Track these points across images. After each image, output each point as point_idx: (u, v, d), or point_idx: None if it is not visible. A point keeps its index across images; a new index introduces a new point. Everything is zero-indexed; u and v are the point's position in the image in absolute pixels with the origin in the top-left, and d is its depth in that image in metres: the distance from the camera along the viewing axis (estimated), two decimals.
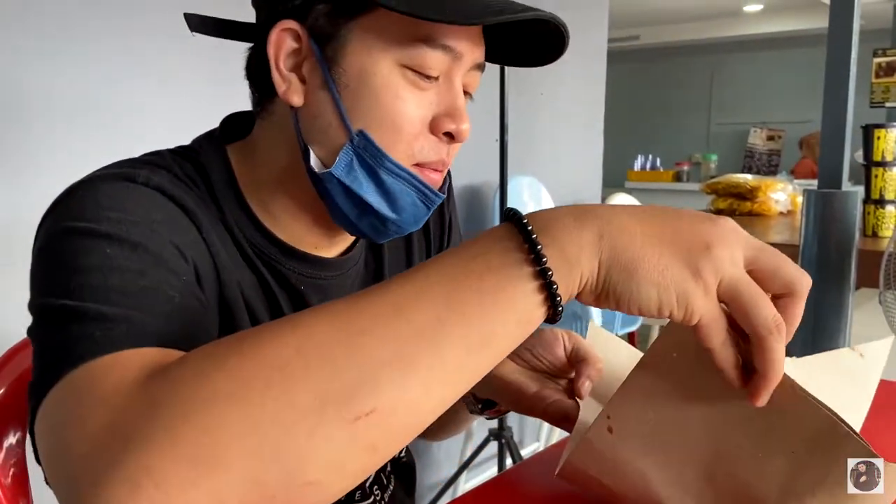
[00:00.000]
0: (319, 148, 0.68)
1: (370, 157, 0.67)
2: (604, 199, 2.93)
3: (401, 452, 0.92)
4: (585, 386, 0.75)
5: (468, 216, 2.37)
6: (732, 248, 0.46)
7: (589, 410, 0.73)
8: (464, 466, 2.21)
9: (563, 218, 0.47)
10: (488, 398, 0.83)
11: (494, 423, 2.19)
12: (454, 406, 0.87)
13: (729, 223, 0.47)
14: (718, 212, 3.89)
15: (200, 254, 0.64)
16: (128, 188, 0.61)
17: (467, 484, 2.30)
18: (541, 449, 2.36)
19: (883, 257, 2.02)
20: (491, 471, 2.37)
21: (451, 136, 0.69)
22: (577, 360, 0.78)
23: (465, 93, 0.72)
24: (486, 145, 2.20)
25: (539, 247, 0.45)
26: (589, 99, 2.93)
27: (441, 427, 0.96)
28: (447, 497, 2.24)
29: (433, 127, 0.68)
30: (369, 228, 0.72)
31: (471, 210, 2.38)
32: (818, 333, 2.38)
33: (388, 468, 0.91)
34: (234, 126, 0.77)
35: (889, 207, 2.74)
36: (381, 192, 0.68)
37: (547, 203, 2.55)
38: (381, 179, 0.67)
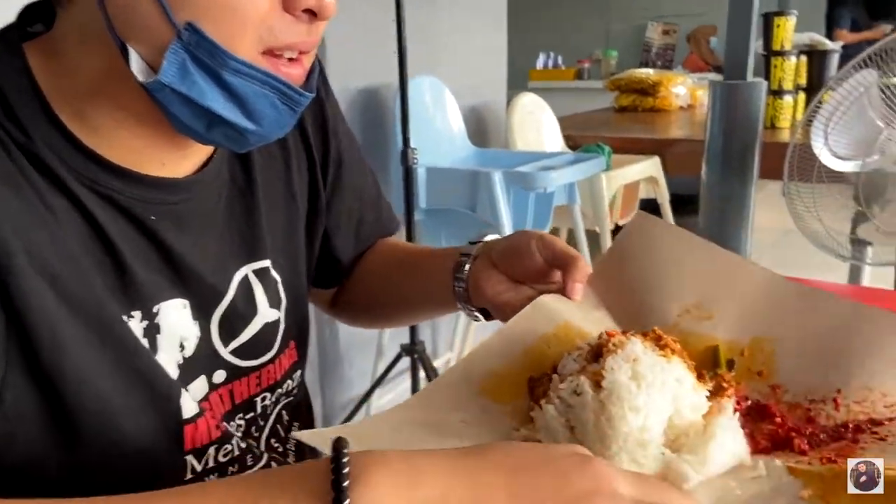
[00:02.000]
0: (141, 46, 0.53)
1: (207, 55, 0.53)
2: (509, 100, 2.80)
3: (292, 391, 0.80)
4: (577, 289, 0.72)
5: (367, 122, 2.19)
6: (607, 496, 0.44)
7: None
8: (376, 383, 2.13)
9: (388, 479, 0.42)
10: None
11: (406, 338, 2.11)
12: (439, 302, 0.82)
13: (594, 468, 0.45)
14: (622, 109, 3.85)
15: None
16: None
17: (381, 400, 2.21)
18: (453, 361, 2.34)
19: (788, 148, 2.00)
20: (404, 385, 2.29)
21: (312, 13, 0.55)
22: (559, 266, 0.73)
23: None
24: (383, 44, 2.01)
25: None
26: None
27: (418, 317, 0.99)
28: (360, 415, 2.16)
29: (287, 4, 0.54)
30: (224, 139, 0.58)
31: (369, 115, 2.20)
32: (723, 226, 2.40)
33: (286, 418, 0.80)
34: (35, 19, 0.59)
35: (787, 98, 2.71)
36: (230, 99, 0.54)
37: (451, 105, 2.40)
38: (227, 82, 0.54)
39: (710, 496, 0.56)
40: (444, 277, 0.79)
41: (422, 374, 2.11)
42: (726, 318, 0.74)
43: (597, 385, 0.63)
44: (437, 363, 2.45)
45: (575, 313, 0.75)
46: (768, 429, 0.63)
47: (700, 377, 0.66)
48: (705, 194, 2.33)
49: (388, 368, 2.11)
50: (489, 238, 0.80)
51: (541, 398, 0.66)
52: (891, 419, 0.61)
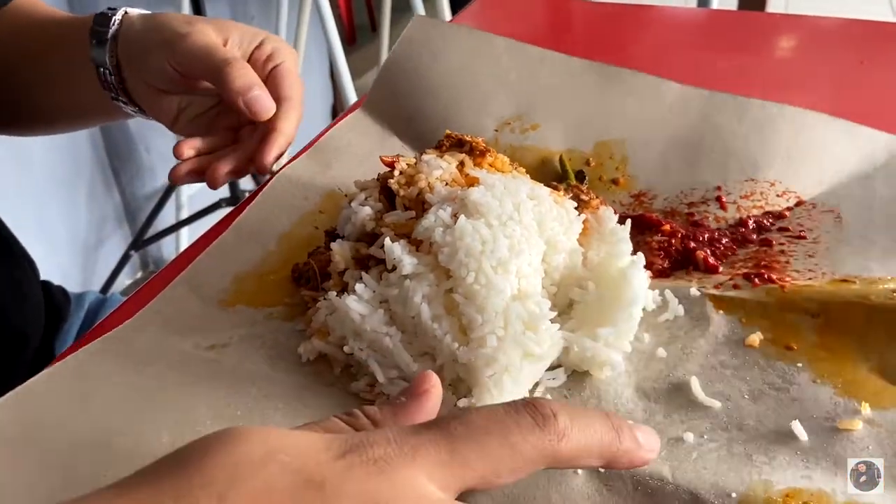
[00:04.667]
0: None
1: None
2: None
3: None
4: (271, 157, 0.49)
5: None
6: None
7: None
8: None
9: None
10: None
11: None
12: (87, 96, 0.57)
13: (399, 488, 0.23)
14: None
15: None
16: None
17: (192, 189, 1.73)
18: None
19: None
20: None
21: None
22: (213, 82, 0.51)
23: None
24: None
25: None
26: None
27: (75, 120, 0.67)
28: (171, 202, 1.69)
29: None
30: None
31: None
32: None
33: None
34: None
35: None
36: None
37: None
38: None
39: (626, 375, 0.38)
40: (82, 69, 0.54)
41: None
42: (557, 126, 0.56)
43: (415, 243, 0.39)
44: None
45: (345, 169, 0.52)
46: (658, 241, 0.46)
47: (555, 190, 0.45)
48: None
49: None
50: (125, 13, 0.55)
51: (333, 286, 0.41)
52: (790, 209, 0.49)
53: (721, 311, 0.40)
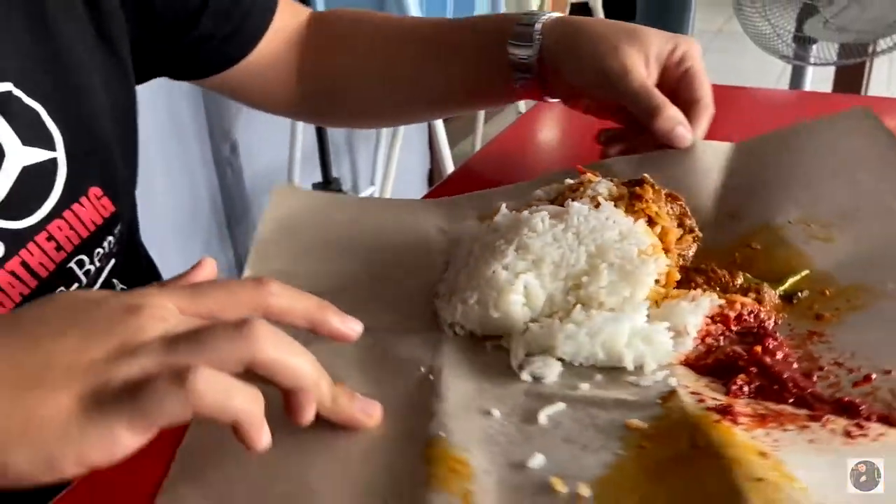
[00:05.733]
0: None
1: None
2: None
3: (113, 251, 0.62)
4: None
5: None
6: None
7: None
8: None
9: None
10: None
11: (318, 176, 1.88)
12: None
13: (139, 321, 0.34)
14: None
15: None
16: None
17: None
18: (377, 195, 1.99)
19: None
20: None
21: None
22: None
23: None
24: None
25: None
26: None
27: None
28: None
29: None
30: None
31: None
32: (663, 27, 2.23)
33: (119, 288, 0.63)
34: None
35: None
36: None
37: None
38: None
39: None
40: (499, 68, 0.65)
41: None
42: (845, 250, 0.49)
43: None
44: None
45: None
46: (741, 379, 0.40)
47: (710, 275, 0.46)
48: None
49: None
50: (551, 15, 0.63)
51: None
52: None
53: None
